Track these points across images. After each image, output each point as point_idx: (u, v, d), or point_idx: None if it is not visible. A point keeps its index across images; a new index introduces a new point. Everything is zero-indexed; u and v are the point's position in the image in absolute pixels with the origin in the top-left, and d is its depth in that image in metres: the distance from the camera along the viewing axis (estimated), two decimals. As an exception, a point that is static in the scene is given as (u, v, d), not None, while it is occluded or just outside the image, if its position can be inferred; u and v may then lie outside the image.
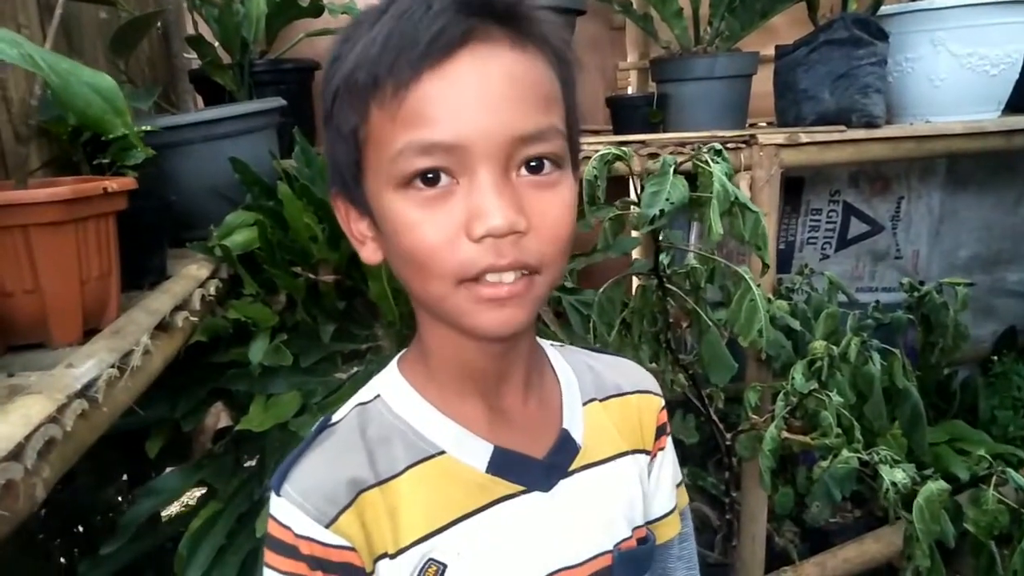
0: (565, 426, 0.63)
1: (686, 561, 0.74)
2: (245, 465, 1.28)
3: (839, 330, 1.60)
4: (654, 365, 1.45)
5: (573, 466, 0.62)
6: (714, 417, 1.48)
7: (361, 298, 1.36)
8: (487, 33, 0.50)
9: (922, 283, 1.90)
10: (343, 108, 0.53)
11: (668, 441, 0.72)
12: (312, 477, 0.56)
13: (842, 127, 1.65)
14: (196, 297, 1.15)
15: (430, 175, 0.50)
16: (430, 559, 0.56)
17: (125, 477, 1.61)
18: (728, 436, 1.50)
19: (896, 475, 1.14)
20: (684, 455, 2.01)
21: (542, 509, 0.60)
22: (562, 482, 0.61)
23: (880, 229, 2.28)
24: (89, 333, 0.94)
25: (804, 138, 1.60)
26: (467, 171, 0.50)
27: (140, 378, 0.93)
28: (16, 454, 0.65)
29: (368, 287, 1.28)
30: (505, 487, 0.59)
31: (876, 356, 1.45)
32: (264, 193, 1.34)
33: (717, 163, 1.08)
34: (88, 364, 0.82)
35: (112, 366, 0.85)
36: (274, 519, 0.56)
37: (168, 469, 1.33)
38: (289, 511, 0.55)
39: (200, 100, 1.79)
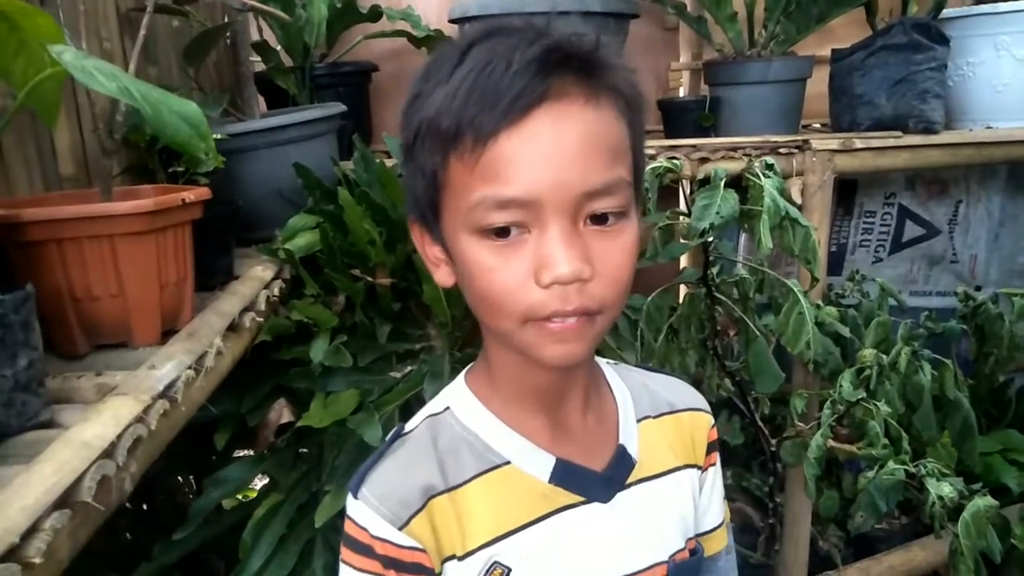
0: (621, 441, 0.67)
1: (730, 573, 0.77)
2: (304, 460, 1.34)
3: (889, 338, 1.59)
4: (700, 370, 1.46)
5: (630, 480, 0.65)
6: (759, 422, 1.49)
7: (415, 300, 1.41)
8: (563, 90, 0.53)
9: (978, 289, 1.86)
10: (424, 148, 0.56)
11: (717, 457, 0.75)
12: (387, 483, 0.60)
13: (898, 133, 1.63)
14: (262, 298, 1.21)
15: (505, 227, 0.53)
16: (495, 562, 0.60)
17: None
18: (773, 441, 1.50)
19: (943, 489, 1.14)
20: (728, 456, 2.01)
21: (602, 519, 0.63)
22: (620, 494, 0.64)
23: (936, 233, 2.24)
24: (167, 333, 1.00)
25: (859, 144, 1.58)
26: (538, 222, 0.53)
27: (213, 377, 1.00)
28: (109, 452, 0.72)
29: (422, 290, 1.33)
30: (567, 497, 0.62)
31: (927, 366, 1.44)
32: (325, 197, 1.39)
33: (768, 177, 1.09)
34: (168, 366, 0.89)
35: (189, 367, 0.92)
36: (351, 520, 0.60)
37: (233, 459, 1.40)
38: (366, 514, 0.59)
39: (263, 103, 1.85)
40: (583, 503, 0.63)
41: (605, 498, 0.64)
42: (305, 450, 1.33)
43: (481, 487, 0.61)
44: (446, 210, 0.57)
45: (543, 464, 0.62)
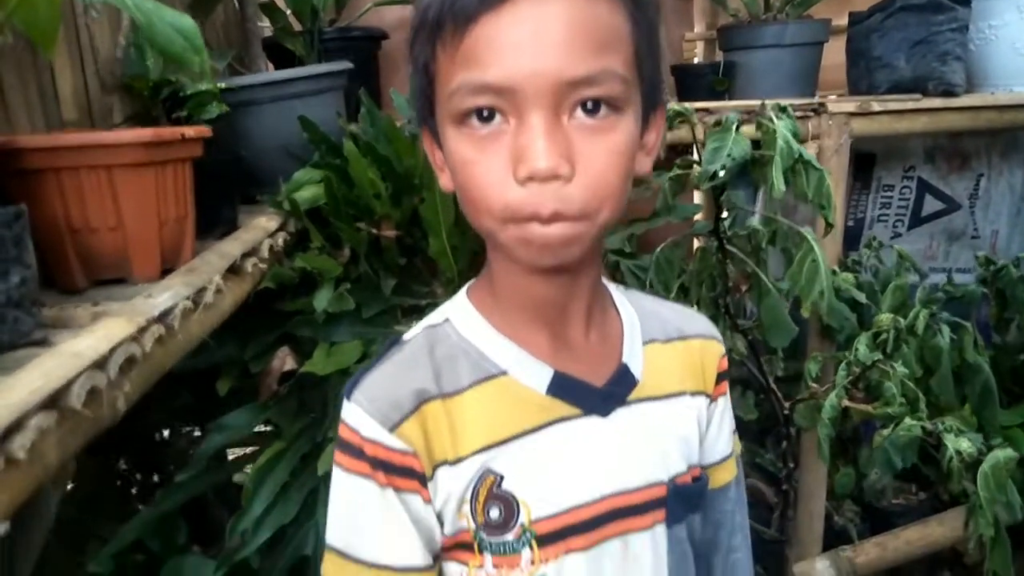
0: (624, 360, 0.65)
1: (741, 504, 0.76)
2: (308, 410, 1.33)
3: (907, 303, 1.55)
4: (712, 331, 1.43)
5: (631, 397, 0.64)
6: (772, 385, 1.46)
7: (421, 256, 1.40)
8: None
9: (1000, 261, 1.82)
10: (419, 42, 0.56)
11: (727, 387, 0.73)
12: (380, 386, 0.60)
13: (918, 96, 1.60)
14: (265, 246, 1.20)
15: (484, 113, 0.52)
16: (488, 469, 0.59)
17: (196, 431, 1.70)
18: (786, 405, 1.47)
19: (961, 444, 1.11)
20: (742, 432, 1.96)
21: (599, 432, 0.62)
22: (619, 409, 0.63)
23: (956, 207, 2.19)
24: (166, 272, 0.99)
25: (876, 106, 1.54)
26: (517, 112, 0.51)
27: (212, 314, 0.98)
28: (100, 364, 0.70)
29: (428, 244, 1.31)
30: (564, 408, 0.61)
31: (946, 329, 1.41)
32: (330, 151, 1.38)
33: (781, 120, 1.07)
34: (165, 295, 0.88)
35: (187, 298, 0.90)
36: (344, 422, 0.60)
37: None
38: (357, 415, 0.58)
39: (271, 67, 1.84)
40: (580, 416, 0.62)
41: (603, 412, 0.62)
42: (308, 401, 1.32)
43: (476, 395, 0.60)
44: (437, 104, 0.56)
45: (541, 375, 0.61)
